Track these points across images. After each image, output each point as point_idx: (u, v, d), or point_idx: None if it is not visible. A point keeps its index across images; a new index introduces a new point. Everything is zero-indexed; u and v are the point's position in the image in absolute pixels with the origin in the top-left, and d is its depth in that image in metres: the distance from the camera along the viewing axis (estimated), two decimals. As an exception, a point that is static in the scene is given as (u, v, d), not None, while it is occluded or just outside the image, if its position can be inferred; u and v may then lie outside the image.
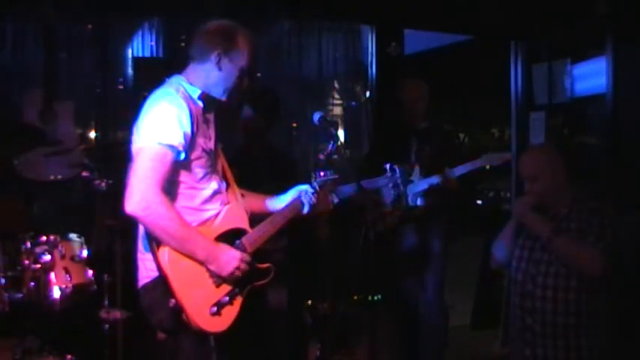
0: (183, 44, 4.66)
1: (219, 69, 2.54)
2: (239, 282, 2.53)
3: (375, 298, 3.49)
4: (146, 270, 2.48)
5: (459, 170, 4.03)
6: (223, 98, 2.60)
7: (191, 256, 2.40)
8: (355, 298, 4.14)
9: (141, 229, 2.49)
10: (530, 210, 3.06)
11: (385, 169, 3.32)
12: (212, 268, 2.45)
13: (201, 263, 2.44)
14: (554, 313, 2.96)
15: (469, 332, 5.27)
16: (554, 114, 5.59)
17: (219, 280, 2.48)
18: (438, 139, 4.34)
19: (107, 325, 3.47)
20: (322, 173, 2.88)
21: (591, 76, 5.23)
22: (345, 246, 3.91)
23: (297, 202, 2.85)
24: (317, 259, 4.07)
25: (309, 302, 4.05)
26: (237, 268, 2.48)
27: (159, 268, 2.37)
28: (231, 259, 2.48)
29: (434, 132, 4.35)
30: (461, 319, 5.22)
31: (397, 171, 3.25)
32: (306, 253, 3.92)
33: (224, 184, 2.68)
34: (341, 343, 4.10)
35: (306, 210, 2.85)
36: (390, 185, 3.42)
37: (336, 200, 2.96)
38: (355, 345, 4.13)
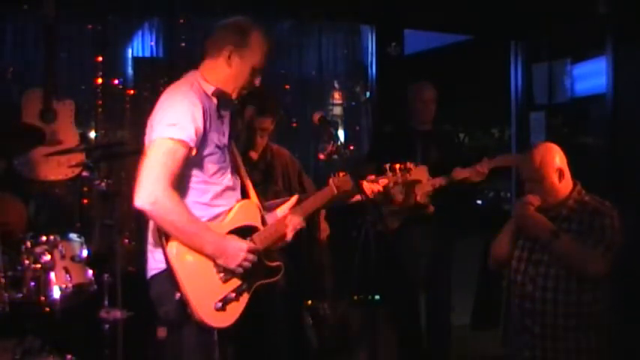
0: (183, 44, 4.66)
1: (229, 66, 2.53)
2: (247, 278, 2.54)
3: (375, 298, 3.49)
4: (155, 262, 2.51)
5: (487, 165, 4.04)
6: (234, 96, 2.60)
7: (199, 251, 2.42)
8: (355, 298, 4.13)
9: (151, 223, 2.52)
10: (532, 210, 3.03)
11: (385, 169, 3.32)
12: (220, 261, 2.46)
13: (210, 258, 2.45)
14: (554, 315, 2.94)
15: (469, 332, 5.26)
16: (554, 114, 5.59)
17: (226, 275, 2.49)
18: (444, 141, 4.33)
19: (107, 325, 3.46)
20: (342, 174, 2.91)
21: (591, 76, 5.23)
22: (345, 246, 3.91)
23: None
24: (316, 259, 4.07)
25: (309, 302, 4.05)
26: (245, 259, 2.49)
27: (167, 261, 2.40)
28: (238, 250, 2.48)
29: (439, 134, 4.34)
30: (461, 319, 5.22)
31: (397, 171, 3.25)
32: (305, 253, 3.92)
33: (238, 181, 2.69)
34: (341, 343, 4.10)
35: (289, 237, 2.76)
36: (391, 185, 3.41)
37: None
38: (355, 345, 4.13)
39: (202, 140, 2.45)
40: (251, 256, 2.51)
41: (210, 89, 2.54)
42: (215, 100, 2.54)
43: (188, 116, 2.40)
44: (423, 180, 4.01)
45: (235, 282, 2.52)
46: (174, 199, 2.36)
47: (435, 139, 4.29)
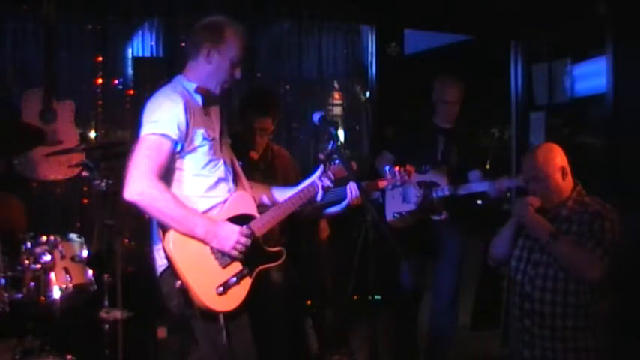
0: (183, 44, 4.66)
1: (209, 63, 2.66)
2: (247, 262, 2.62)
3: (375, 298, 3.48)
4: (161, 259, 2.62)
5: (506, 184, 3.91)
6: (217, 91, 2.71)
7: (191, 235, 2.52)
8: (355, 298, 4.13)
9: (154, 223, 2.62)
10: (532, 211, 3.03)
11: (385, 172, 3.31)
12: (214, 244, 2.56)
13: (205, 243, 2.55)
14: (552, 315, 2.94)
15: (469, 332, 5.26)
16: (554, 114, 5.59)
17: (225, 260, 2.57)
18: (464, 139, 4.29)
19: (107, 325, 3.46)
20: (337, 162, 2.96)
21: (591, 76, 5.23)
22: (345, 246, 3.90)
23: (310, 188, 2.93)
24: (316, 259, 4.06)
25: (309, 302, 4.05)
26: (238, 242, 2.57)
27: (164, 252, 2.52)
28: (230, 232, 2.58)
29: (460, 132, 4.29)
30: (461, 319, 5.21)
31: (397, 174, 3.24)
32: (305, 253, 3.91)
33: (231, 174, 2.77)
34: (341, 343, 4.10)
35: (319, 197, 2.94)
36: (390, 188, 3.40)
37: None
38: (355, 345, 4.12)
39: (188, 134, 2.57)
40: (244, 239, 2.59)
41: (192, 87, 2.67)
42: (199, 98, 2.67)
43: (169, 112, 2.53)
44: (441, 184, 4.00)
45: (235, 267, 2.60)
46: (160, 188, 2.49)
47: (456, 138, 4.23)
